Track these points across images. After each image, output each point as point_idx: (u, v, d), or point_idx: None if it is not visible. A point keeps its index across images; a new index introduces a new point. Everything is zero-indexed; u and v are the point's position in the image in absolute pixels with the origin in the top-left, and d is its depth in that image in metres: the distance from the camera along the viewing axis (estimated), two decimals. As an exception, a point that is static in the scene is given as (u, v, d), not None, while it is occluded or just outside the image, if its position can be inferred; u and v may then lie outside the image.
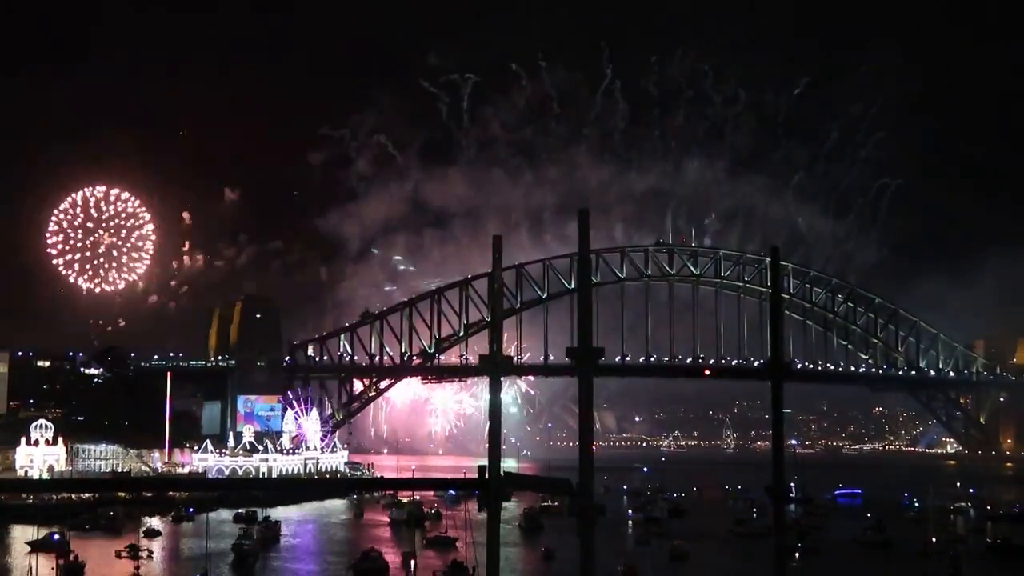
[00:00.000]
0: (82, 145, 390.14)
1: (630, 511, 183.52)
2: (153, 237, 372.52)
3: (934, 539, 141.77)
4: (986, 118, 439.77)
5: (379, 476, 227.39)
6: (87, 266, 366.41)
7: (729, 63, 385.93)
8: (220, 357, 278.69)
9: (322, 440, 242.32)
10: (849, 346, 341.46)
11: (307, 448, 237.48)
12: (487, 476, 28.56)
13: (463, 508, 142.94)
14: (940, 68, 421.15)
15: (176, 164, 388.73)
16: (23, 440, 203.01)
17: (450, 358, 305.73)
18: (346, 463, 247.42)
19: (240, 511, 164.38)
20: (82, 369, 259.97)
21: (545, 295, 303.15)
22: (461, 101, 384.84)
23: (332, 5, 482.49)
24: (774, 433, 33.08)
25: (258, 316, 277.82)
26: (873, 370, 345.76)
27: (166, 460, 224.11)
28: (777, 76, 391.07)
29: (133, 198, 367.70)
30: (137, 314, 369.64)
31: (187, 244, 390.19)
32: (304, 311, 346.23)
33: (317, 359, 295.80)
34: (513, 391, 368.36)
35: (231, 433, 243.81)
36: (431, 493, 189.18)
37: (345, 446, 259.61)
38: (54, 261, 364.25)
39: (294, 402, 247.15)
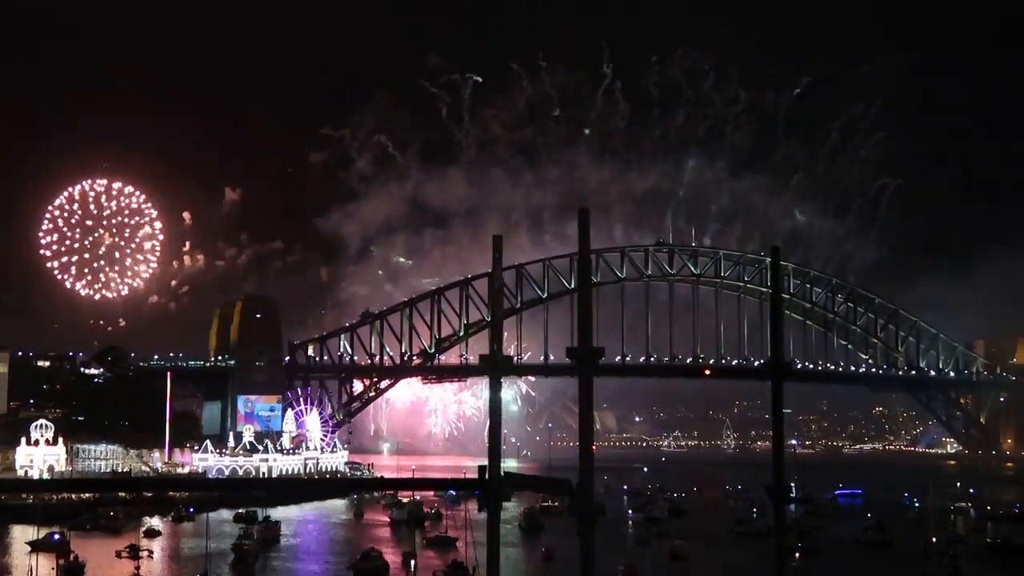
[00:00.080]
0: (81, 132, 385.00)
1: (630, 511, 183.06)
2: (161, 237, 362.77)
3: (934, 539, 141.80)
4: (986, 118, 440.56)
5: (379, 476, 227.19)
6: (85, 269, 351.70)
7: (729, 63, 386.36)
8: (220, 357, 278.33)
9: (323, 440, 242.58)
10: (849, 346, 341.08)
11: (307, 448, 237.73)
12: (487, 476, 28.59)
13: (463, 508, 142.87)
14: (940, 69, 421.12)
15: (176, 165, 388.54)
16: (23, 440, 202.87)
17: (450, 358, 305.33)
18: (346, 463, 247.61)
19: (240, 511, 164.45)
20: (82, 369, 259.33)
21: (545, 295, 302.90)
22: (461, 101, 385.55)
23: (333, 5, 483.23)
24: (774, 433, 33.14)
25: (258, 316, 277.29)
26: (873, 370, 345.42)
27: (166, 460, 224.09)
28: (777, 76, 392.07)
29: (138, 192, 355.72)
30: (137, 314, 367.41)
31: (187, 244, 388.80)
32: (304, 311, 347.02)
33: (317, 359, 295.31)
34: (513, 391, 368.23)
35: (231, 433, 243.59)
36: (431, 493, 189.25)
37: (345, 446, 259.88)
38: (48, 264, 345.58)
39: (294, 402, 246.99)
